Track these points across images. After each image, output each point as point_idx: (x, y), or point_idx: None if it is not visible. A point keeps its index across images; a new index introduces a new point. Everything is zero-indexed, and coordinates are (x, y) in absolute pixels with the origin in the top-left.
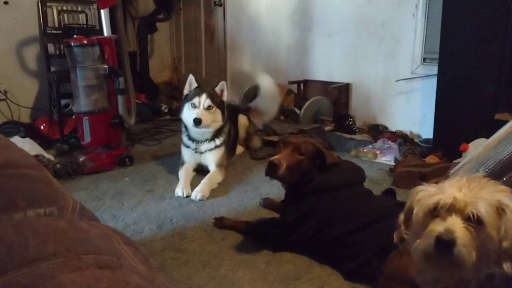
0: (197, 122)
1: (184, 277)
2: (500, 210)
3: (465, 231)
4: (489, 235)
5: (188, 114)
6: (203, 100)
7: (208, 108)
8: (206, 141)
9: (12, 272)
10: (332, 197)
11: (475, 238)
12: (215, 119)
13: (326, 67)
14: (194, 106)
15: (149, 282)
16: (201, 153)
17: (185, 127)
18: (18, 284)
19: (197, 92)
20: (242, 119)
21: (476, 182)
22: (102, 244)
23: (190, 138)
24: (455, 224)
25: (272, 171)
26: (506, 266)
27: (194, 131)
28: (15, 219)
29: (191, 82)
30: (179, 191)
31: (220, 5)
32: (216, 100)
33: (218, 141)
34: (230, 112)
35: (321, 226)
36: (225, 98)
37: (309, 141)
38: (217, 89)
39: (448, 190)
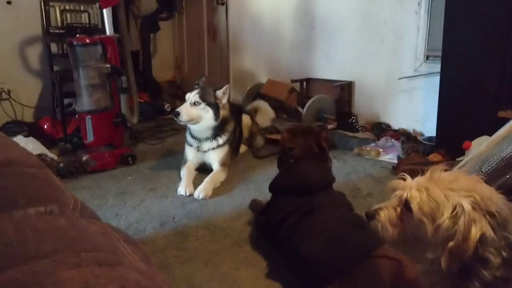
0: (175, 114)
1: (186, 275)
2: (457, 212)
3: (388, 211)
4: (417, 221)
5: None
6: (192, 95)
7: (195, 104)
8: (207, 139)
9: (12, 269)
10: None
11: (403, 220)
12: (204, 116)
13: (329, 65)
14: (185, 100)
15: (148, 279)
16: (204, 151)
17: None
18: (17, 281)
19: (193, 88)
20: (246, 119)
21: (449, 179)
22: (102, 241)
23: (193, 137)
24: (385, 204)
25: None
26: (443, 261)
27: (193, 129)
28: (15, 217)
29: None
30: (182, 190)
31: (223, 4)
32: (207, 98)
33: (220, 140)
34: (234, 112)
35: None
36: (224, 101)
37: None
38: (221, 91)
39: (409, 182)
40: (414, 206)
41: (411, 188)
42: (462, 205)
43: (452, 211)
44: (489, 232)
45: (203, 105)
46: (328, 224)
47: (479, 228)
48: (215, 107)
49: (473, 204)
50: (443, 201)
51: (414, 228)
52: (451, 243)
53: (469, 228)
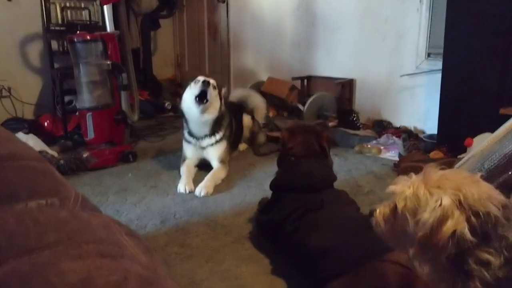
0: (206, 83)
1: (188, 271)
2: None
3: (382, 209)
4: (403, 216)
5: (190, 91)
6: (208, 79)
7: (212, 87)
8: (206, 136)
9: (13, 260)
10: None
11: (395, 216)
12: (215, 103)
13: (330, 63)
14: (198, 82)
15: (150, 272)
16: (203, 148)
17: (186, 122)
18: (18, 272)
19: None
20: (247, 119)
21: (439, 177)
22: (104, 233)
23: (191, 135)
24: (382, 203)
25: None
26: (411, 250)
27: (193, 120)
28: (16, 209)
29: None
30: (181, 187)
31: (223, 2)
32: (218, 88)
33: (218, 136)
34: (234, 109)
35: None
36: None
37: None
38: (224, 88)
39: (406, 181)
40: (398, 201)
41: (400, 184)
42: (441, 200)
43: (433, 207)
44: (463, 230)
45: (216, 92)
46: (337, 221)
47: (452, 224)
48: (220, 99)
49: (454, 201)
50: (427, 198)
51: (401, 223)
52: (420, 233)
53: (441, 221)
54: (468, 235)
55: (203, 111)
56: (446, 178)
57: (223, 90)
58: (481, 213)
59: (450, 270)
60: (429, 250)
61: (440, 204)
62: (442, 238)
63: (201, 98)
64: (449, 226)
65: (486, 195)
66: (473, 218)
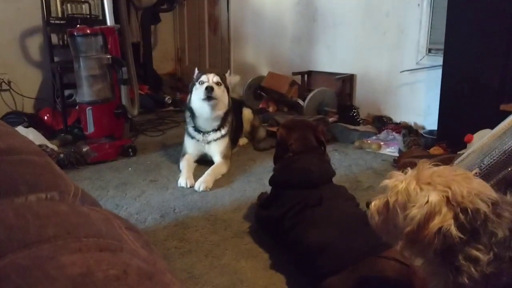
0: (209, 89)
1: (187, 265)
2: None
3: (377, 202)
4: (394, 210)
5: (196, 93)
6: (212, 76)
7: (217, 84)
8: (212, 131)
9: (12, 254)
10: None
11: (388, 209)
12: (223, 99)
13: (331, 58)
14: (202, 83)
15: (150, 266)
16: (206, 143)
17: (192, 116)
18: (17, 266)
19: (203, 72)
20: (247, 113)
21: (431, 173)
22: (103, 227)
23: (196, 129)
24: (377, 196)
25: None
26: (399, 244)
27: (203, 117)
28: (15, 203)
29: (194, 72)
30: (183, 181)
31: None
32: (224, 80)
33: (223, 131)
34: (234, 105)
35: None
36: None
37: None
38: (227, 75)
39: (400, 176)
40: (390, 195)
41: (394, 178)
42: (428, 197)
43: (422, 203)
44: (450, 227)
45: (222, 86)
46: (335, 217)
47: (439, 221)
48: (228, 92)
49: (442, 198)
50: (416, 193)
51: (392, 217)
52: (407, 228)
53: (428, 218)
54: (454, 231)
55: (213, 108)
56: (437, 175)
57: (227, 76)
58: (469, 210)
59: (441, 263)
60: (416, 245)
61: (427, 201)
62: (428, 234)
63: (209, 98)
64: (435, 223)
65: (476, 191)
66: (461, 215)
